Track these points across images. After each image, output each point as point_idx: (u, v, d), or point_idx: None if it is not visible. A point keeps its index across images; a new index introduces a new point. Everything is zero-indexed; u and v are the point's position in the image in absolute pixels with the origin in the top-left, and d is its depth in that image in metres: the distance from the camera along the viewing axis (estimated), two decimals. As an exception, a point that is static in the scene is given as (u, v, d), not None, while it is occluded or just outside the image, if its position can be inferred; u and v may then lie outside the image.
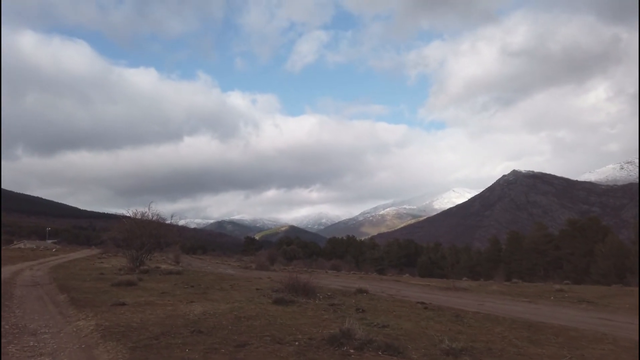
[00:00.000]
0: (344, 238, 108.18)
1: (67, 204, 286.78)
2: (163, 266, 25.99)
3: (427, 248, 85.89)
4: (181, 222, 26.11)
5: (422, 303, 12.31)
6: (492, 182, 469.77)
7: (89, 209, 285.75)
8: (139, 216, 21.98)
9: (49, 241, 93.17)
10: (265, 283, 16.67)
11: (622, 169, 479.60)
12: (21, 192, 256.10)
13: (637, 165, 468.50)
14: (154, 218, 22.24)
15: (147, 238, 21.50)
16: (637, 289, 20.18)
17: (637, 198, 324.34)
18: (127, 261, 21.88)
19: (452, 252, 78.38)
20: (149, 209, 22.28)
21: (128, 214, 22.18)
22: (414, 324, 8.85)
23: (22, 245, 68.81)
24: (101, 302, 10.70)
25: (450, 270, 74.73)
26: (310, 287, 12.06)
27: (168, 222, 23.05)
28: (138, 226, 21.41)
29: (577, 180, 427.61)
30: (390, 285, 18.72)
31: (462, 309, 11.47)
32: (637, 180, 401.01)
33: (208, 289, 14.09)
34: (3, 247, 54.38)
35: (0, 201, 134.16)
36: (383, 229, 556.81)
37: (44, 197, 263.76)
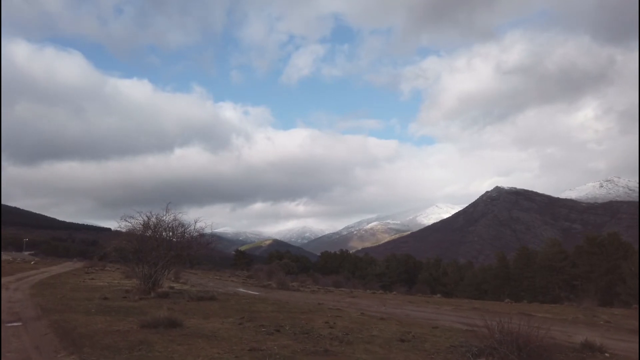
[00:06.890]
0: (337, 252, 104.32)
1: (47, 215, 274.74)
2: (176, 286, 21.99)
3: (428, 264, 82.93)
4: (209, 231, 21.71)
5: None
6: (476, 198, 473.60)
7: (71, 220, 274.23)
8: (153, 220, 17.80)
9: (26, 253, 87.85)
10: (382, 324, 11.37)
11: (602, 187, 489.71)
12: (4, 202, 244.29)
13: (616, 184, 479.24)
14: (175, 224, 18.06)
15: (166, 251, 17.42)
16: None
17: (622, 215, 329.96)
18: (136, 280, 17.73)
19: (455, 269, 75.42)
20: (166, 212, 18.20)
21: (139, 219, 17.88)
22: None
23: (-4, 257, 63.79)
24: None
25: (454, 287, 71.66)
26: (543, 346, 6.62)
27: (191, 229, 18.83)
28: (154, 235, 17.36)
29: (558, 198, 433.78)
30: (524, 322, 13.51)
31: None
32: (616, 198, 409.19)
33: (315, 337, 8.66)
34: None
35: (0, 214, 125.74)
36: (367, 244, 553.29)
37: (22, 208, 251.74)
